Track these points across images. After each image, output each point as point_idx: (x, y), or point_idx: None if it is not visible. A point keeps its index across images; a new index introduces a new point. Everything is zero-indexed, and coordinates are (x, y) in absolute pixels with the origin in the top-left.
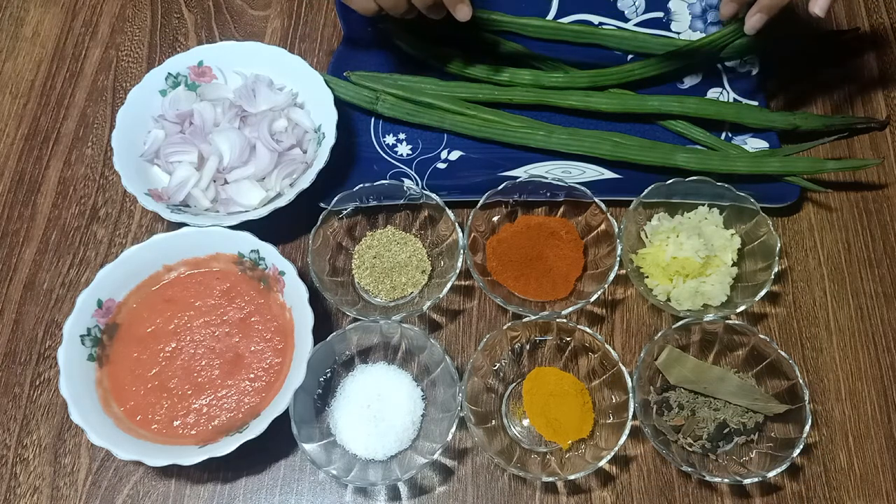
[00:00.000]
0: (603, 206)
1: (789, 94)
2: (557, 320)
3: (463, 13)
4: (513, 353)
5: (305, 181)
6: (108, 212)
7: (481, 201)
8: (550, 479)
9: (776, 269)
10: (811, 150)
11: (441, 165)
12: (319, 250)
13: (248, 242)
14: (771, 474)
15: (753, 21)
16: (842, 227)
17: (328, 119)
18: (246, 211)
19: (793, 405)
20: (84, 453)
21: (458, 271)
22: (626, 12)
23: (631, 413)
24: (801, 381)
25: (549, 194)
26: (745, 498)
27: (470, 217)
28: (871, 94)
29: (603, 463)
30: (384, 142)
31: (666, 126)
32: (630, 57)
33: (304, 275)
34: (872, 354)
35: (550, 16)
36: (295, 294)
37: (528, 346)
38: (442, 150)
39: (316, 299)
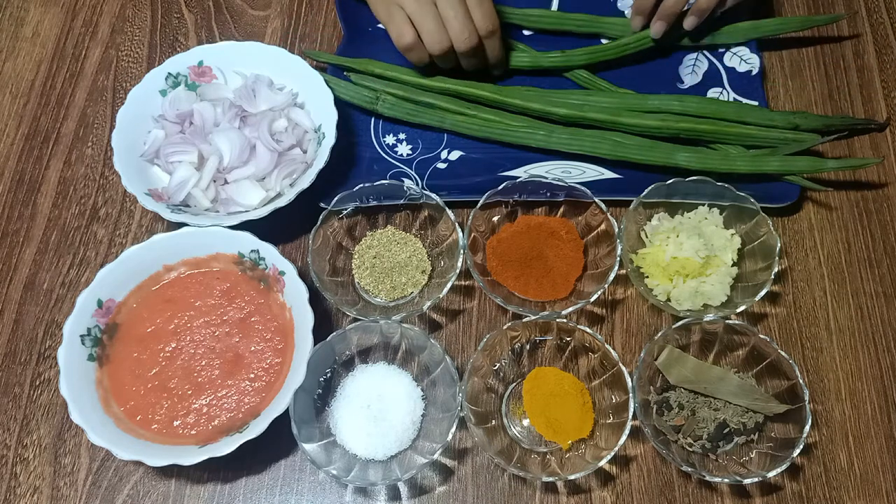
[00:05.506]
0: (603, 206)
1: (789, 94)
2: (557, 320)
3: (499, 72)
4: (513, 353)
5: (305, 181)
6: (108, 212)
7: (481, 201)
8: (550, 479)
9: (776, 269)
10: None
11: (441, 165)
12: (319, 250)
13: (248, 242)
14: (771, 474)
15: (656, 28)
16: (842, 226)
17: (328, 119)
18: (246, 211)
19: (793, 405)
20: (84, 453)
21: (458, 271)
22: (626, 12)
23: (631, 413)
24: (801, 381)
25: (549, 194)
26: (745, 498)
27: (470, 217)
28: (871, 94)
29: (603, 463)
30: (384, 142)
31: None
32: None
33: (304, 275)
34: (872, 354)
35: None
36: (295, 294)
37: (528, 346)
38: (442, 150)
39: (316, 299)
